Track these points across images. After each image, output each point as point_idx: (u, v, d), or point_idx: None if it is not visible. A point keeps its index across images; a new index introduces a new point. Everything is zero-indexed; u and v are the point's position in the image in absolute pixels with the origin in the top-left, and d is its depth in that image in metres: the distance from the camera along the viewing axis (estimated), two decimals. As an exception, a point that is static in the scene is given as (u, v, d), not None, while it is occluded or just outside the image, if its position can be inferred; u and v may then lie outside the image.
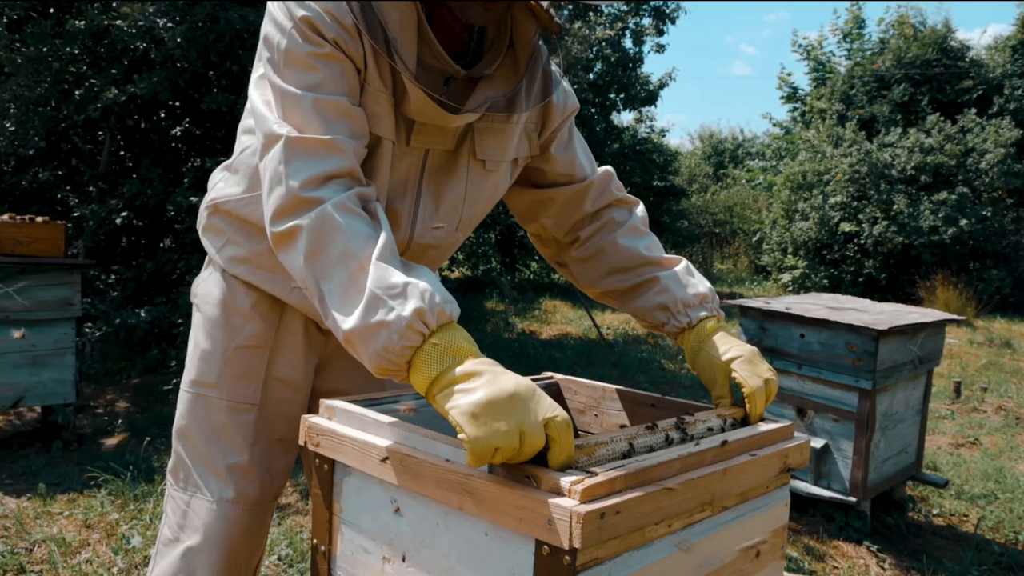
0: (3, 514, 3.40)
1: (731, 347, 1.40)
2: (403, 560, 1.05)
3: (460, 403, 0.95)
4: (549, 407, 0.96)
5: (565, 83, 1.56)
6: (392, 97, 1.28)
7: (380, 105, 1.27)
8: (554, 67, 1.49)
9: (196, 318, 1.58)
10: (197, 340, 1.55)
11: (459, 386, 0.97)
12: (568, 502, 0.83)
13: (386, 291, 1.03)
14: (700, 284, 1.50)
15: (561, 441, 0.94)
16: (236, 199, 1.47)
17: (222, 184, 1.52)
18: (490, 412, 0.92)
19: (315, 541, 1.20)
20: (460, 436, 0.94)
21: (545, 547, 0.85)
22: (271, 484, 1.55)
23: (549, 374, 1.71)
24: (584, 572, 0.84)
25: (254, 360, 1.50)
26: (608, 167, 1.62)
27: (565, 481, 0.86)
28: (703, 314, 1.47)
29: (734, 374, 1.37)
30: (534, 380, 1.66)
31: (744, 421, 1.33)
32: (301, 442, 1.20)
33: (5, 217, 4.13)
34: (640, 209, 1.62)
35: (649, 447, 1.09)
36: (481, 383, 0.96)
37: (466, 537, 0.96)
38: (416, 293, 1.03)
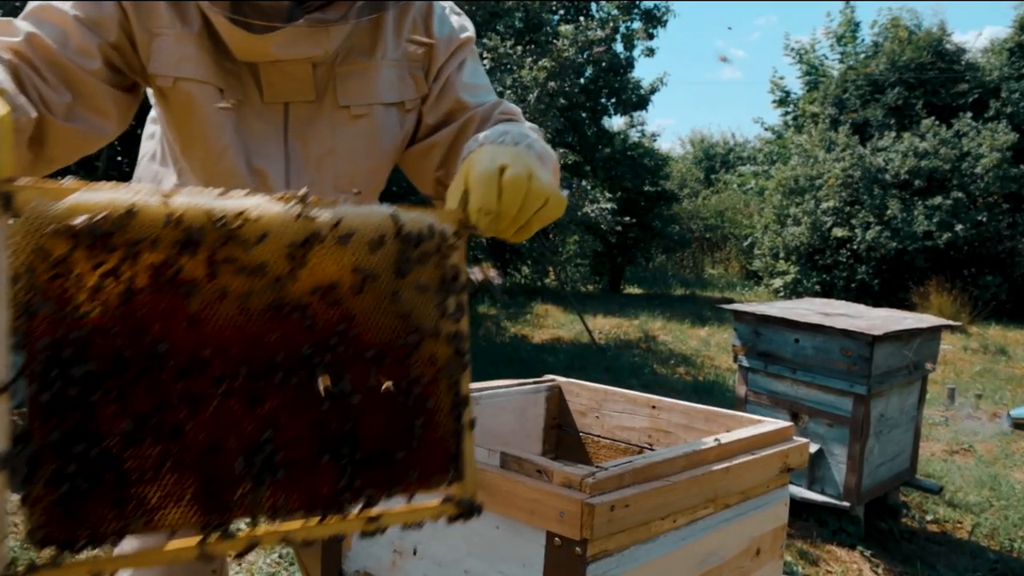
0: (13, 511, 3.40)
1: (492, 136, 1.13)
2: (414, 553, 1.08)
3: None
4: None
5: (455, 17, 1.40)
6: (210, 41, 1.22)
7: (186, 46, 1.21)
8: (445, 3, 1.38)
9: None
10: None
11: None
12: (580, 495, 0.86)
13: None
14: (518, 130, 1.22)
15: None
16: None
17: None
18: None
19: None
20: None
21: (556, 539, 0.87)
22: None
23: (551, 377, 1.74)
24: (594, 563, 0.87)
25: None
26: (500, 100, 1.41)
27: (576, 475, 0.89)
28: (489, 141, 1.16)
29: (468, 160, 1.03)
30: (536, 383, 1.70)
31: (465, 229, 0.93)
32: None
33: (5, 220, 4.12)
34: (519, 122, 1.35)
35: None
36: None
37: (476, 530, 0.99)
38: None
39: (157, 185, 1.40)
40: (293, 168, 1.30)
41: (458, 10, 1.42)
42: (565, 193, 1.05)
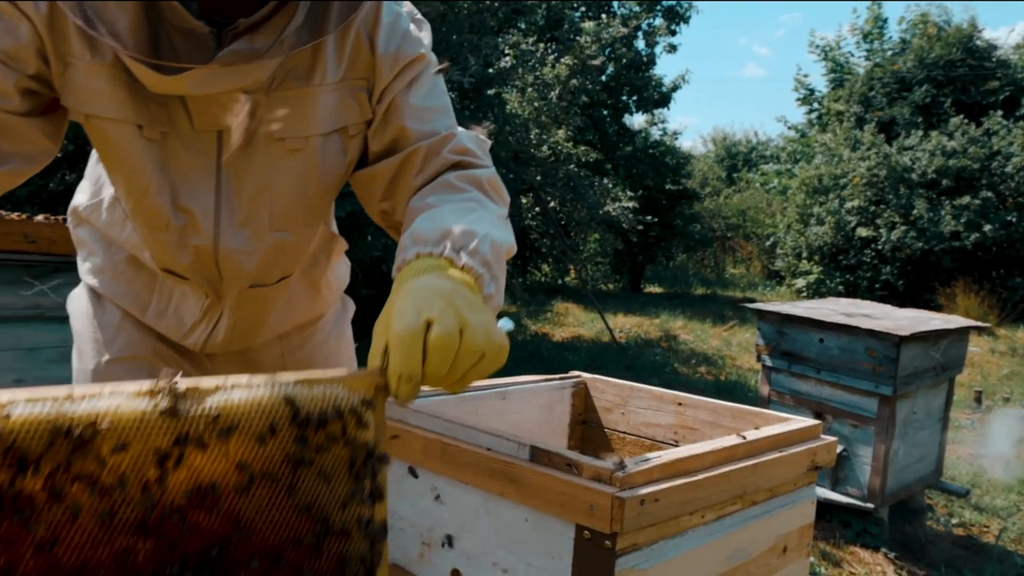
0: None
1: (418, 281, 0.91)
2: (442, 546, 1.09)
3: None
4: None
5: (412, 27, 1.21)
6: (125, 72, 1.08)
7: (98, 80, 1.08)
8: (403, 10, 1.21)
9: (74, 337, 1.45)
10: (73, 361, 1.43)
11: None
12: (610, 488, 0.86)
13: None
14: (462, 224, 1.00)
15: None
16: (85, 205, 1.37)
17: (77, 192, 1.42)
18: None
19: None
20: None
21: (586, 532, 0.88)
22: None
23: (576, 373, 1.75)
24: (623, 557, 0.87)
25: (131, 374, 1.34)
26: (454, 129, 1.22)
27: (607, 469, 0.89)
28: (425, 251, 0.97)
29: (390, 308, 0.88)
30: (562, 379, 1.70)
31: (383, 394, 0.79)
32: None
33: (40, 218, 4.21)
34: (473, 172, 1.18)
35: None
36: None
37: (506, 522, 1.00)
38: None
39: (99, 187, 1.33)
40: (224, 204, 1.18)
41: (419, 16, 1.24)
42: (509, 327, 0.92)
